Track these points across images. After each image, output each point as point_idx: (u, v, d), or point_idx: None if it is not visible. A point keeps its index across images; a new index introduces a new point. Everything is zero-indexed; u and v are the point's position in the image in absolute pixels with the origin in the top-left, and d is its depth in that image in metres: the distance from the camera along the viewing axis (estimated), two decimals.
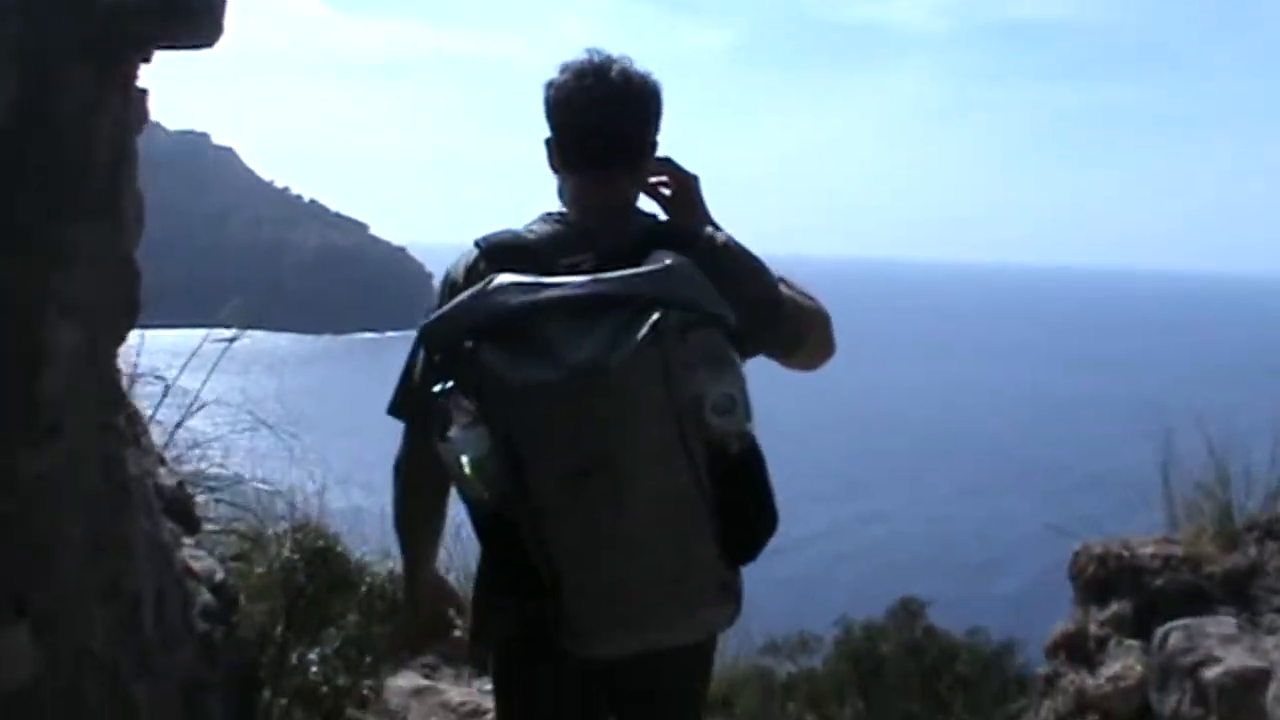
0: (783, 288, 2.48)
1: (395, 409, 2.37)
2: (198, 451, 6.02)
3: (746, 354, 2.21)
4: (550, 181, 2.54)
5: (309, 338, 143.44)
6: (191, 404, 5.96)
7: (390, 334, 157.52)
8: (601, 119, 2.37)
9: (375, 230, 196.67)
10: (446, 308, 2.15)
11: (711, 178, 2.65)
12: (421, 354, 2.29)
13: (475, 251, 2.36)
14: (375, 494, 3.75)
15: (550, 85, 2.40)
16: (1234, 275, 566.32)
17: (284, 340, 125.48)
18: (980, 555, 44.77)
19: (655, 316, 1.98)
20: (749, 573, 2.35)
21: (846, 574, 40.06)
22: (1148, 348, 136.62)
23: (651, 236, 2.29)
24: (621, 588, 2.04)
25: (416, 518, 2.51)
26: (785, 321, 2.44)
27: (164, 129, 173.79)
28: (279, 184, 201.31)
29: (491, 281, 2.11)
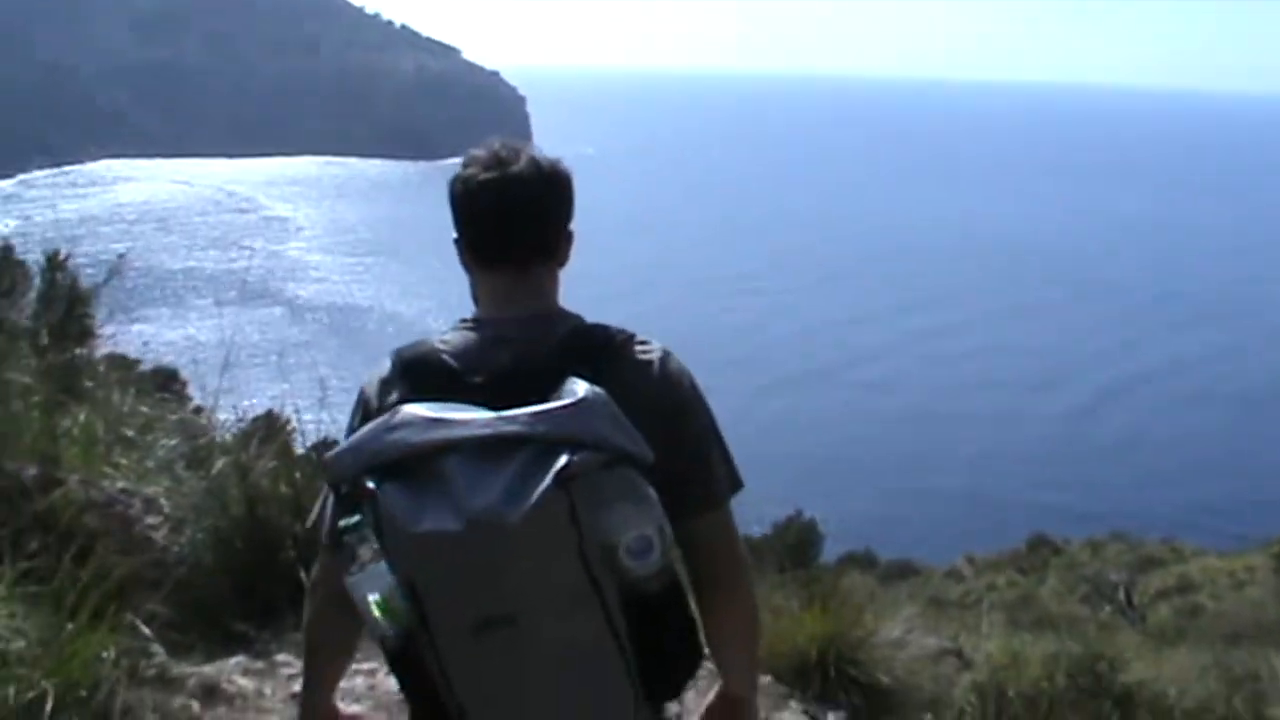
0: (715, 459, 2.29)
1: (324, 536, 2.26)
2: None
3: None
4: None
5: (404, 164, 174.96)
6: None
7: None
8: (511, 210, 2.27)
9: (468, 54, 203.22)
10: (351, 440, 2.05)
11: None
12: (329, 485, 2.19)
13: (389, 367, 2.26)
14: None
15: (455, 180, 2.32)
16: None
17: (377, 166, 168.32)
18: None
19: (561, 462, 1.87)
20: None
21: None
22: None
23: (568, 350, 2.19)
24: None
25: (318, 639, 2.43)
26: (705, 479, 2.25)
27: None
28: (369, 9, 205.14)
29: (397, 413, 2.01)
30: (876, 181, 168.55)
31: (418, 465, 1.96)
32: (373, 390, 2.30)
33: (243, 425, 6.95)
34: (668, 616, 2.04)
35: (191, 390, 10.05)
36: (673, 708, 2.31)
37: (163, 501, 4.96)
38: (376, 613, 1.99)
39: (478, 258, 2.37)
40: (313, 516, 2.41)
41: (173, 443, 6.11)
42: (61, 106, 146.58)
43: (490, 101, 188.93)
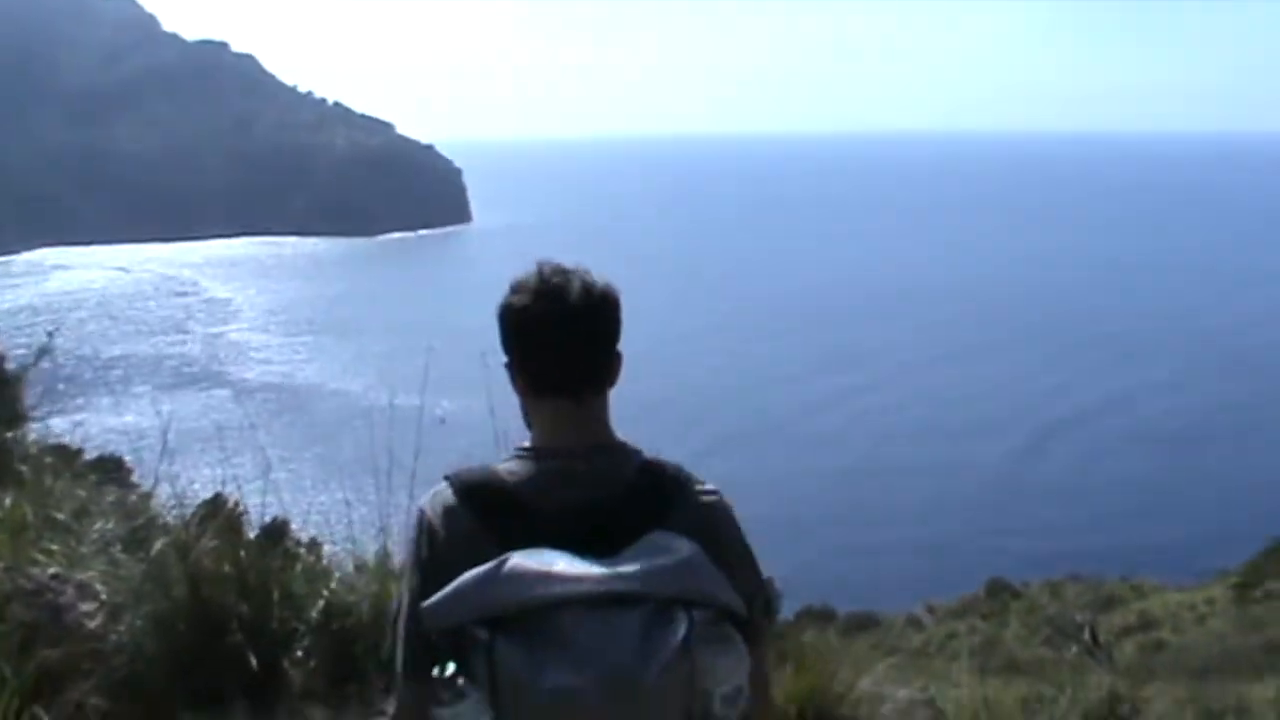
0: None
1: (409, 668, 2.18)
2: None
3: None
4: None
5: (342, 240, 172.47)
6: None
7: (422, 232, 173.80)
8: (569, 343, 2.25)
9: (402, 129, 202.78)
10: (454, 588, 2.01)
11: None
12: (412, 622, 2.14)
13: (449, 491, 2.23)
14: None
15: (506, 307, 2.28)
16: None
17: (315, 243, 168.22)
18: None
19: (684, 625, 1.94)
20: None
21: None
22: None
23: (639, 489, 2.23)
24: None
25: None
26: (758, 617, 2.28)
27: (181, 39, 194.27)
28: (301, 88, 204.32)
29: (505, 564, 1.98)
30: (817, 234, 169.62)
31: (530, 620, 1.95)
32: (437, 518, 2.25)
33: (186, 508, 7.06)
34: None
35: (136, 477, 9.93)
36: None
37: (98, 586, 4.69)
38: None
39: (534, 387, 2.34)
40: (388, 645, 2.34)
41: (109, 526, 5.85)
42: None
43: (426, 175, 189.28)
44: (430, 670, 2.03)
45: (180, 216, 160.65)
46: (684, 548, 2.07)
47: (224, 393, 79.41)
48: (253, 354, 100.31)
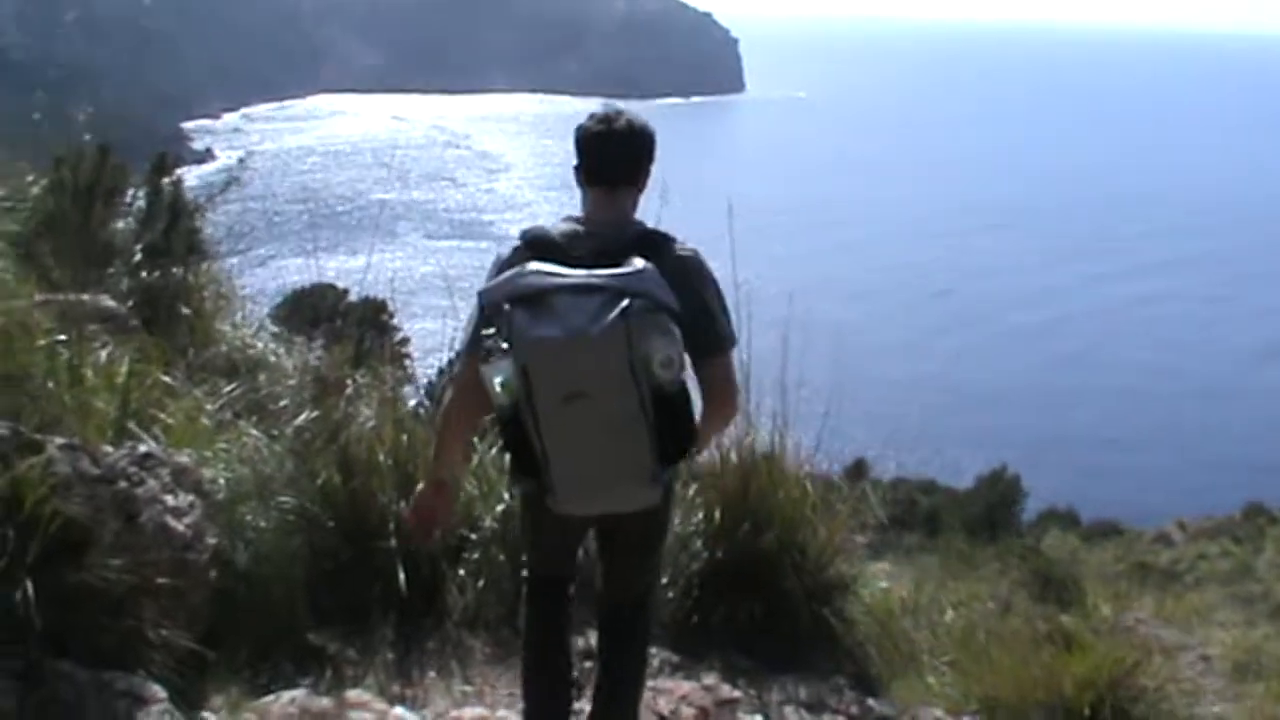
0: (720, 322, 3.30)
1: (466, 346, 3.19)
2: None
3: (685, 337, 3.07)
4: None
5: (615, 102, 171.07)
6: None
7: (695, 99, 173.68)
8: (611, 153, 3.29)
9: None
10: (497, 281, 3.05)
11: None
12: (478, 310, 3.11)
13: (520, 242, 3.23)
14: None
15: (582, 130, 3.33)
16: None
17: (588, 104, 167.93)
18: None
19: (624, 304, 2.90)
20: None
21: None
22: None
23: (635, 242, 3.18)
24: (586, 475, 3.04)
25: (453, 417, 3.34)
26: (714, 334, 3.26)
27: None
28: None
29: (525, 267, 3.02)
30: (1092, 130, 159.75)
31: (536, 298, 2.97)
32: (506, 255, 3.24)
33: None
34: (677, 409, 3.05)
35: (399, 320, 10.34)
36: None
37: (204, 473, 3.64)
38: (499, 389, 2.98)
39: (586, 179, 3.36)
40: (462, 336, 3.26)
41: (266, 384, 4.87)
42: (281, 43, 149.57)
43: (702, 41, 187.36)
44: (481, 345, 3.00)
45: (458, 71, 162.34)
46: (639, 263, 3.03)
47: (487, 244, 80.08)
48: (523, 208, 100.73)
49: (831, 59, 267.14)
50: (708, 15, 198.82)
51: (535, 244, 3.21)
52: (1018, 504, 21.07)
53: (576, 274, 3.01)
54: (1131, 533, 22.03)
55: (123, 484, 3.19)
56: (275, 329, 6.45)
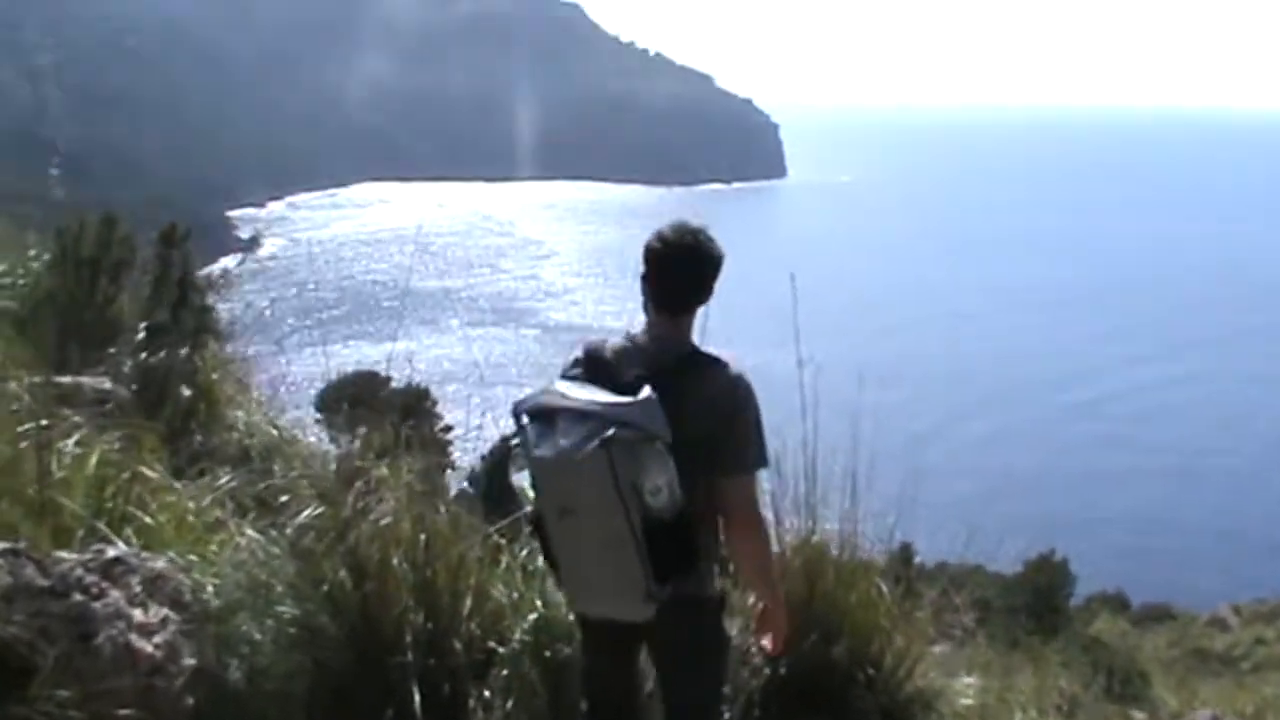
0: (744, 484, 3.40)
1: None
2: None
3: (700, 461, 3.24)
4: None
5: (657, 189, 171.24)
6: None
7: (736, 185, 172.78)
8: (673, 281, 3.38)
9: (720, 82, 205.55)
10: (528, 395, 3.28)
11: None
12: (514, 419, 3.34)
13: (583, 353, 3.41)
14: None
15: (647, 248, 3.39)
16: None
17: (630, 190, 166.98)
18: None
19: (608, 433, 3.04)
20: None
21: None
22: None
23: (681, 363, 3.35)
24: (584, 581, 3.29)
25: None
26: (739, 454, 3.35)
27: None
28: (624, 37, 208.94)
29: (553, 384, 3.27)
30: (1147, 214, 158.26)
31: (547, 416, 3.18)
32: (568, 362, 3.47)
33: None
34: (673, 534, 3.15)
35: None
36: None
37: (185, 580, 3.10)
38: (523, 495, 3.33)
39: (648, 300, 3.44)
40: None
41: (284, 471, 4.35)
42: (325, 127, 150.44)
43: (743, 128, 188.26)
44: (513, 451, 3.41)
45: (500, 158, 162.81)
46: (644, 394, 3.18)
47: (534, 333, 79.61)
48: (563, 296, 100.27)
49: (870, 146, 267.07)
50: (748, 101, 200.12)
51: (589, 358, 3.42)
52: (1066, 590, 20.57)
53: (580, 398, 3.20)
54: (1184, 616, 21.48)
55: (77, 596, 2.70)
56: (318, 416, 6.48)
